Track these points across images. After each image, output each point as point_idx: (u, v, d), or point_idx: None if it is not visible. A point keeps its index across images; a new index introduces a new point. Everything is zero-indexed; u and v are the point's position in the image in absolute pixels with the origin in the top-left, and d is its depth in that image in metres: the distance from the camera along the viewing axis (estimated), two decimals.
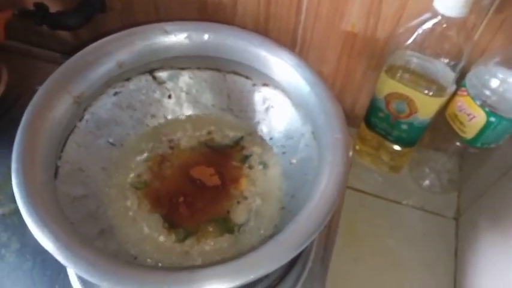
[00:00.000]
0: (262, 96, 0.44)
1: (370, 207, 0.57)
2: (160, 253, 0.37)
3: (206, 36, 0.40)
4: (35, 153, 0.33)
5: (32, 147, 0.33)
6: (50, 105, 0.35)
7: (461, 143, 0.49)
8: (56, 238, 0.29)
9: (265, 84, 0.43)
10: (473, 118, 0.45)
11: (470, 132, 0.46)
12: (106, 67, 0.38)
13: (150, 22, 0.54)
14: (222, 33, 0.41)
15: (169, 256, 0.36)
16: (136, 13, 0.57)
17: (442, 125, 0.50)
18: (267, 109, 0.44)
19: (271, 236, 0.37)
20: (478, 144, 0.47)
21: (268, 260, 0.28)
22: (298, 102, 0.40)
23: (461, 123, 0.46)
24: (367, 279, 0.51)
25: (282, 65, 0.40)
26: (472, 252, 0.50)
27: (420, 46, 0.45)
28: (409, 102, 0.47)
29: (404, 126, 0.50)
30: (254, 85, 0.44)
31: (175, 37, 0.41)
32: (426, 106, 0.47)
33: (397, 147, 0.54)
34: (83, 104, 0.38)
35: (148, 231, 0.38)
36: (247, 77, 0.44)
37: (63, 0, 0.58)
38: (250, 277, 0.27)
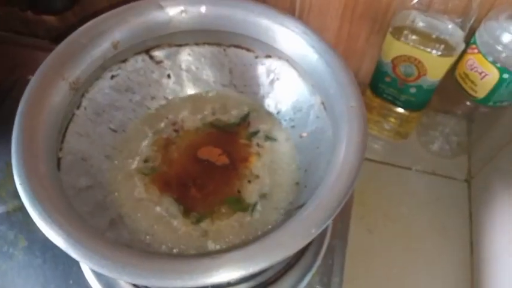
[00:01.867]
0: (266, 69, 0.42)
1: (380, 176, 0.56)
2: (174, 239, 0.35)
3: (203, 9, 0.38)
4: (35, 145, 0.31)
5: (31, 139, 0.31)
6: (45, 93, 0.33)
7: (472, 103, 0.47)
8: (67, 234, 0.27)
9: (268, 56, 0.41)
10: (485, 76, 0.43)
11: (482, 91, 0.45)
12: (101, 49, 0.36)
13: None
14: (219, 4, 0.38)
15: (184, 241, 0.35)
16: None
17: (451, 86, 0.49)
18: (272, 82, 0.42)
19: (287, 213, 0.36)
20: (490, 103, 0.46)
21: (294, 238, 0.27)
22: (305, 72, 0.38)
23: (472, 82, 0.45)
24: (383, 248, 0.50)
25: (286, 34, 0.37)
26: (487, 214, 0.50)
27: (426, 4, 0.43)
28: (418, 64, 0.45)
29: (412, 90, 0.49)
30: (257, 57, 0.42)
31: (171, 12, 0.38)
32: (435, 67, 0.45)
33: (405, 112, 0.53)
34: (79, 90, 0.36)
35: (159, 217, 0.36)
36: (248, 50, 0.41)
37: None
38: (278, 258, 0.26)
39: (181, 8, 0.38)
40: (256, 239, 0.28)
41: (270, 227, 0.36)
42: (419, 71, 0.46)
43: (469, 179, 0.55)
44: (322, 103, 0.37)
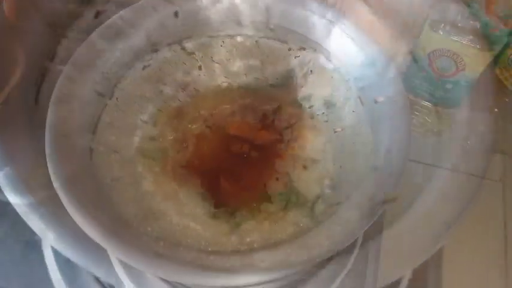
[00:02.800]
0: (299, 61, 0.41)
1: (411, 173, 0.54)
2: (209, 235, 0.34)
3: None
4: (68, 136, 0.31)
5: (64, 129, 0.31)
6: (78, 82, 0.32)
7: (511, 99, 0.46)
8: (103, 227, 0.27)
9: (302, 48, 0.40)
10: None
11: None
12: (134, 39, 0.36)
13: None
14: None
15: (219, 237, 0.34)
16: None
17: (488, 82, 0.47)
18: (305, 75, 0.41)
19: (324, 212, 0.35)
20: None
21: (341, 234, 0.25)
22: (341, 65, 0.37)
23: None
24: None
25: (322, 24, 0.36)
26: None
27: None
28: (456, 58, 0.44)
29: (448, 86, 0.47)
30: (290, 49, 0.40)
31: (205, 1, 0.37)
32: (475, 62, 0.43)
33: (438, 109, 0.51)
34: (112, 80, 0.36)
35: (193, 211, 0.35)
36: (282, 41, 0.40)
37: None
38: (325, 255, 0.25)
39: None
40: (297, 236, 0.27)
41: (303, 224, 0.35)
42: (458, 66, 0.44)
43: (504, 179, 0.53)
44: (359, 97, 0.36)
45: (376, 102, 0.32)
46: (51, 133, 0.30)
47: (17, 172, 0.35)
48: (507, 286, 0.46)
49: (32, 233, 0.35)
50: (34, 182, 0.43)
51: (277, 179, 0.37)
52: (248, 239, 0.34)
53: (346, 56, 0.35)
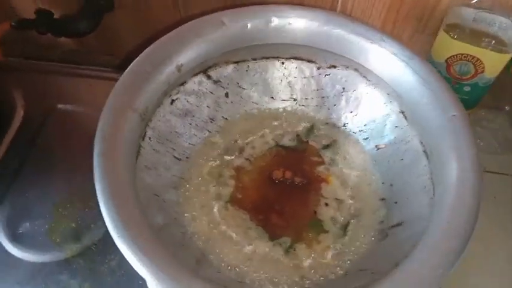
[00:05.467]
0: (330, 80, 0.39)
1: None
2: (268, 271, 0.32)
3: (274, 21, 0.35)
4: (119, 184, 0.28)
5: (114, 179, 0.28)
6: (119, 129, 0.30)
7: None
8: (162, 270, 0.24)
9: (332, 66, 0.39)
10: None
11: None
12: (165, 74, 0.33)
13: (168, 18, 0.48)
14: (285, 16, 0.36)
15: (278, 271, 0.32)
16: (148, 9, 0.50)
17: (501, 82, 0.48)
18: (337, 93, 0.40)
19: (381, 233, 0.34)
20: None
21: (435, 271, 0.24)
22: (379, 81, 0.36)
23: None
24: None
25: (359, 43, 0.35)
26: None
27: (483, 2, 0.42)
28: (475, 62, 0.44)
29: (466, 89, 0.47)
30: (319, 68, 0.39)
31: (233, 28, 0.35)
32: (493, 64, 0.44)
33: None
34: (145, 120, 0.33)
35: (245, 248, 0.33)
36: (310, 61, 0.39)
37: (63, 3, 0.51)
38: None
39: (245, 22, 0.35)
40: (383, 273, 0.25)
41: (362, 249, 0.34)
42: (477, 69, 0.45)
43: None
44: (402, 112, 0.35)
45: (424, 118, 0.31)
46: (103, 185, 0.27)
47: None
48: None
49: None
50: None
51: (326, 204, 0.36)
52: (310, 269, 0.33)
53: (390, 72, 0.35)
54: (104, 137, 0.29)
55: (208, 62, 0.37)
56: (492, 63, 0.44)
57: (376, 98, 0.37)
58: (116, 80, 0.31)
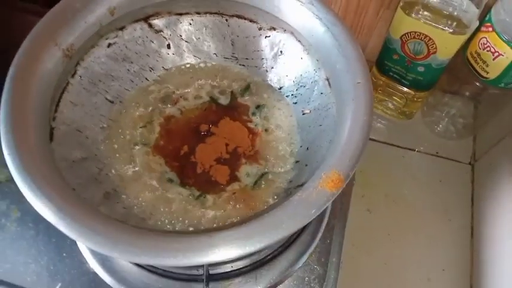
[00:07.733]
0: (269, 42, 0.40)
1: (383, 156, 0.54)
2: (171, 213, 0.34)
3: None
4: (26, 114, 0.30)
5: (22, 107, 0.30)
6: (37, 59, 0.31)
7: (482, 85, 0.46)
8: (57, 207, 0.26)
9: (272, 28, 0.39)
10: (498, 56, 0.41)
11: (493, 72, 0.43)
12: (96, 14, 0.34)
13: None
14: None
15: (180, 216, 0.34)
16: None
17: (459, 66, 0.47)
18: (275, 55, 0.40)
19: (286, 191, 0.35)
20: (501, 85, 0.44)
21: (294, 219, 0.26)
22: (310, 46, 0.36)
23: (484, 62, 0.43)
24: (382, 228, 0.49)
25: (291, 4, 0.36)
26: (490, 197, 0.49)
27: None
28: (428, 41, 0.44)
29: (420, 69, 0.47)
30: (260, 29, 0.40)
31: None
32: (446, 45, 0.43)
33: (410, 92, 0.51)
34: (74, 58, 0.35)
35: (156, 190, 0.35)
36: (252, 21, 0.40)
37: None
38: (276, 238, 0.25)
39: None
40: (254, 218, 0.27)
41: (268, 205, 0.35)
42: (429, 49, 0.44)
43: (473, 162, 0.54)
44: (327, 79, 0.36)
45: (340, 84, 0.32)
46: (7, 110, 0.29)
47: None
48: (472, 264, 0.47)
49: None
50: None
51: (245, 162, 0.37)
52: (213, 218, 0.34)
53: (315, 37, 0.35)
54: (19, 64, 0.30)
55: (148, 9, 0.38)
56: (444, 44, 0.43)
57: (308, 64, 0.38)
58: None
